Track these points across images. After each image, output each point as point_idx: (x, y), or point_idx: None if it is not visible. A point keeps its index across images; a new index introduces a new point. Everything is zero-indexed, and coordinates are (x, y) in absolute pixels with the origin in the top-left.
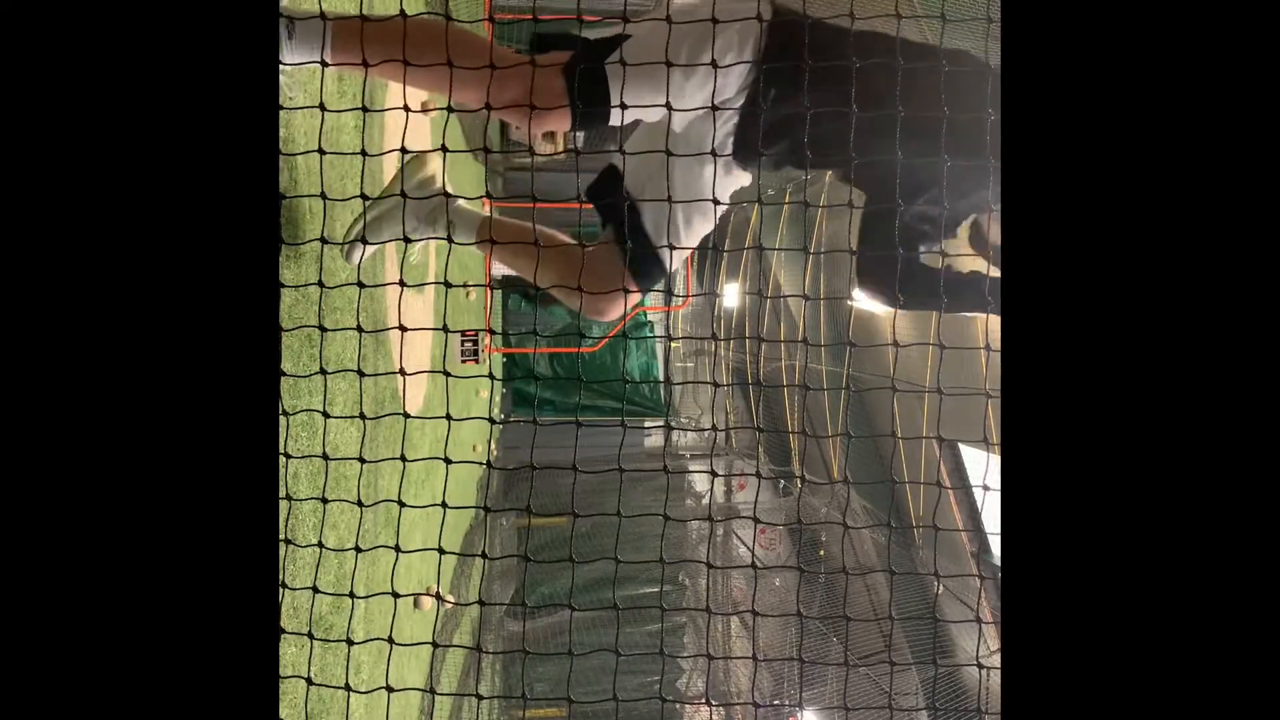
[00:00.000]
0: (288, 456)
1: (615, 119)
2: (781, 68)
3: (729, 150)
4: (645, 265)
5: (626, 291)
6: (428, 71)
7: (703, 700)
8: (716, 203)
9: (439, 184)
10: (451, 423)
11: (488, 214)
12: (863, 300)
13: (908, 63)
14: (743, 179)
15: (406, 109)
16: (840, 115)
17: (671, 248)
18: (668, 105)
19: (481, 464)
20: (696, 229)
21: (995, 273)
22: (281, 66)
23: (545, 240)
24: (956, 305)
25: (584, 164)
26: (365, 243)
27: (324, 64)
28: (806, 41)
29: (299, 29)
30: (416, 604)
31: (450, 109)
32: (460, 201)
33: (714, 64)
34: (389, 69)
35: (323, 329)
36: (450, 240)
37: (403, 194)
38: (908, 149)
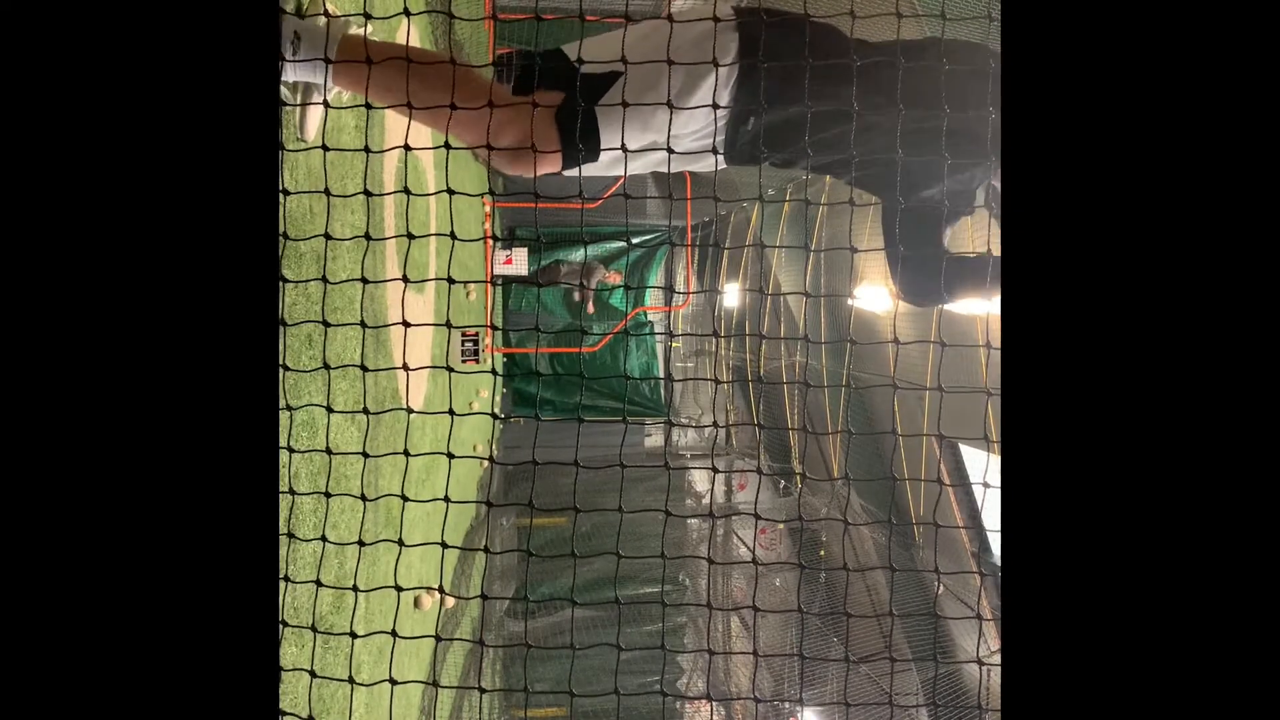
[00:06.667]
0: (291, 451)
1: (608, 158)
2: (768, 68)
3: (723, 150)
4: (581, 124)
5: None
6: (428, 106)
7: (703, 700)
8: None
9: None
10: (454, 418)
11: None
12: (901, 298)
13: (880, 55)
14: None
15: (410, 105)
16: (838, 116)
17: (626, 104)
18: (669, 148)
19: (484, 459)
20: (651, 134)
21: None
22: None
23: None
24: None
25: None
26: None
27: (327, 71)
28: (803, 38)
29: (304, 47)
30: (417, 604)
31: (453, 105)
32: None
33: (714, 60)
34: (389, 98)
35: (326, 324)
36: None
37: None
38: (903, 136)
